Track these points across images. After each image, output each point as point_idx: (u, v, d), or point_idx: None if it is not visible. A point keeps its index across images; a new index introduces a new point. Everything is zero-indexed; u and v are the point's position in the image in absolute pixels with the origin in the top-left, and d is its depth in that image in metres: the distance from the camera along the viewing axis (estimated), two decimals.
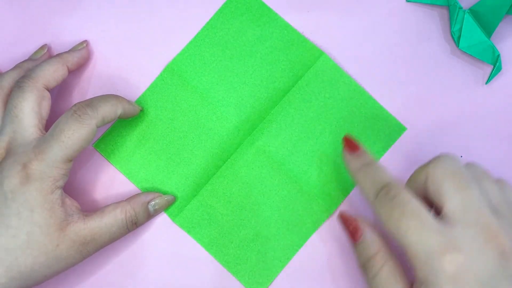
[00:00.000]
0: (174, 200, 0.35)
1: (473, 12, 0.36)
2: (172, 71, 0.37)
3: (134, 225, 0.33)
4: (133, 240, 0.35)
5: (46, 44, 0.37)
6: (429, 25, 0.37)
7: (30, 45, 0.37)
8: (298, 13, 0.37)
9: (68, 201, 0.31)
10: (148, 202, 0.34)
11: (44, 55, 0.36)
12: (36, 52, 0.36)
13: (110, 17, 0.38)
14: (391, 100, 0.36)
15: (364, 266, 0.29)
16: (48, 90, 0.33)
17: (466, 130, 0.36)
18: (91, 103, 0.31)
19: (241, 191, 0.36)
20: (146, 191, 0.35)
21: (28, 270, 0.29)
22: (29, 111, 0.31)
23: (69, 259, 0.30)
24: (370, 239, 0.29)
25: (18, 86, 0.31)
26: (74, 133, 0.30)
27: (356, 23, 0.37)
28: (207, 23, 0.37)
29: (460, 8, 0.36)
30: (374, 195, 0.28)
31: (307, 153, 0.36)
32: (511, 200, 0.28)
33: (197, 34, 0.37)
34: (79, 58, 0.36)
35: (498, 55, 0.36)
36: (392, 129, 0.36)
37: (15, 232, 0.29)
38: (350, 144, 0.32)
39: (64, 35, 0.37)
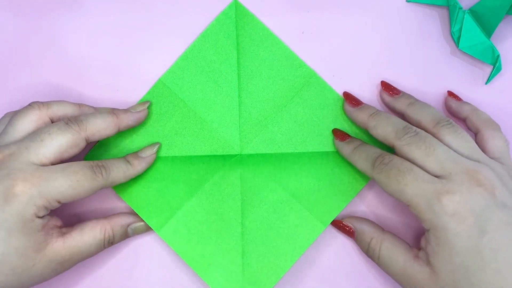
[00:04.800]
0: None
1: (473, 12, 0.36)
2: (163, 85, 0.36)
3: (109, 244, 0.33)
4: (132, 240, 0.35)
5: (149, 102, 0.36)
6: (429, 25, 0.37)
7: (30, 45, 0.37)
8: (298, 13, 0.37)
9: (48, 222, 0.30)
10: (128, 225, 0.34)
11: (141, 112, 0.35)
12: (135, 107, 0.35)
13: (110, 17, 0.37)
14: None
15: (368, 254, 0.33)
16: (87, 142, 0.32)
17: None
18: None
19: (232, 204, 0.35)
20: (129, 201, 0.35)
21: None
22: (55, 146, 0.30)
23: (43, 276, 0.30)
24: (361, 231, 0.34)
25: (65, 122, 0.31)
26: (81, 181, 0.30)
27: (356, 23, 0.37)
28: (198, 38, 0.36)
29: (460, 8, 0.36)
30: (371, 167, 0.31)
31: (303, 165, 0.35)
32: (474, 145, 0.31)
33: (187, 49, 0.36)
34: (134, 121, 0.34)
35: (498, 55, 0.36)
36: None
37: None
38: (340, 134, 0.35)
39: (64, 36, 0.37)
